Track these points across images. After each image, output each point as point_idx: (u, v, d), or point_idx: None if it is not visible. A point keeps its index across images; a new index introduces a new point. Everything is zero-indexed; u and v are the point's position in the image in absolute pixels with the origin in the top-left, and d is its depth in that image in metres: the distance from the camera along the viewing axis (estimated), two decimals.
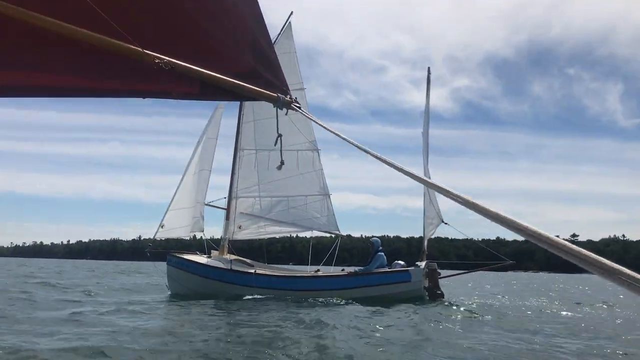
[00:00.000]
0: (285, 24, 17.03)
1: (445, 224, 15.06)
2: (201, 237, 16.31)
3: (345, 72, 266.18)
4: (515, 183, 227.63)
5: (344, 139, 2.41)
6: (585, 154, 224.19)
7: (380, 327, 8.57)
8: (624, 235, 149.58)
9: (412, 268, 13.52)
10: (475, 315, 10.57)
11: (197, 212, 16.15)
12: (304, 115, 2.52)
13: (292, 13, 17.36)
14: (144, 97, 2.43)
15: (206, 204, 16.41)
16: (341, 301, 12.59)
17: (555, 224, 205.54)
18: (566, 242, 1.43)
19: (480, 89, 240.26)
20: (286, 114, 2.65)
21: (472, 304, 13.35)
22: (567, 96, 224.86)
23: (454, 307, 11.98)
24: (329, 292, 13.37)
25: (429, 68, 16.12)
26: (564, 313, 12.27)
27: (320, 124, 2.52)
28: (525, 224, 1.44)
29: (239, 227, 15.73)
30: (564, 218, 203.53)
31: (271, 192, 16.18)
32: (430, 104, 15.59)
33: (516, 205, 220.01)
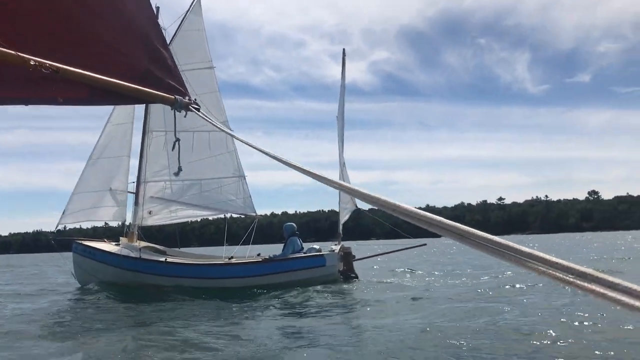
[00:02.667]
0: (194, 0, 16.35)
1: (359, 209, 15.34)
2: (106, 223, 15.57)
3: (264, 48, 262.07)
4: (435, 153, 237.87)
5: (248, 144, 2.39)
6: (499, 122, 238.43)
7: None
8: (546, 196, 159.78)
9: (327, 252, 13.55)
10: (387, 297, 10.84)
11: (114, 198, 15.39)
12: (203, 119, 2.46)
13: None
14: (26, 104, 2.28)
15: (113, 189, 15.63)
16: (255, 290, 12.41)
17: (476, 189, 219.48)
18: (421, 211, 1.57)
19: (397, 62, 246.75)
20: (185, 116, 2.57)
21: (384, 283, 13.60)
22: (480, 66, 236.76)
23: (363, 291, 12.12)
24: (242, 279, 13.15)
25: (343, 50, 15.96)
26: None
27: (220, 128, 2.48)
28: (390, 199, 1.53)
29: (149, 213, 15.16)
30: (484, 183, 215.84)
31: (182, 176, 15.65)
32: (351, 79, 15.74)
33: (437, 175, 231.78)
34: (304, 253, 13.61)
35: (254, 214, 15.72)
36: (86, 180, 15.40)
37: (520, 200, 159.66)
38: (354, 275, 13.87)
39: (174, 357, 5.64)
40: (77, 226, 16.02)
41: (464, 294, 10.56)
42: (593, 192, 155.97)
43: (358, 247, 18.38)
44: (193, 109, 2.50)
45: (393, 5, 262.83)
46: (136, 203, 15.14)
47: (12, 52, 2.03)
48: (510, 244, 1.38)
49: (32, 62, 2.04)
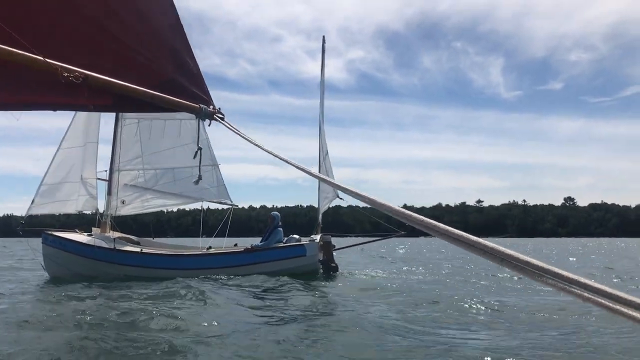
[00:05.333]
0: None
1: (341, 199, 15.43)
2: (80, 212, 15.16)
3: (240, 41, 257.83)
4: (408, 153, 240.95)
5: (270, 153, 2.39)
6: (472, 125, 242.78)
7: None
8: (524, 201, 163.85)
9: (307, 242, 13.46)
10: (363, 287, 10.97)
11: (84, 187, 14.97)
12: (228, 128, 2.44)
13: None
14: (55, 110, 2.24)
15: (85, 179, 15.21)
16: (229, 278, 12.28)
17: (447, 191, 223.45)
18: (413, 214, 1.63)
19: (373, 61, 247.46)
20: (209, 125, 2.55)
21: (363, 275, 13.81)
22: (454, 69, 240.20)
23: (345, 281, 12.23)
24: (221, 269, 12.96)
25: (323, 37, 16.04)
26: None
27: (248, 139, 2.46)
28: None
29: (122, 202, 14.83)
30: (455, 185, 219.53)
31: (155, 164, 15.37)
32: (327, 76, 15.64)
33: (409, 175, 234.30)
34: (284, 242, 13.55)
35: (230, 202, 15.57)
36: (55, 168, 14.93)
37: (495, 203, 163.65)
38: (334, 264, 13.83)
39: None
40: (48, 213, 15.50)
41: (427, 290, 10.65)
42: (569, 199, 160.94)
43: (337, 242, 18.50)
44: (217, 118, 2.48)
45: (369, 4, 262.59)
46: (109, 192, 14.81)
47: (42, 58, 1.99)
48: (552, 268, 1.32)
49: (62, 70, 2.00)
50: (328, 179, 2.58)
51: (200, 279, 12.29)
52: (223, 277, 12.41)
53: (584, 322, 6.71)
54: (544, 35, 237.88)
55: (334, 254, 14.26)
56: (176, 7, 2.40)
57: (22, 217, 15.24)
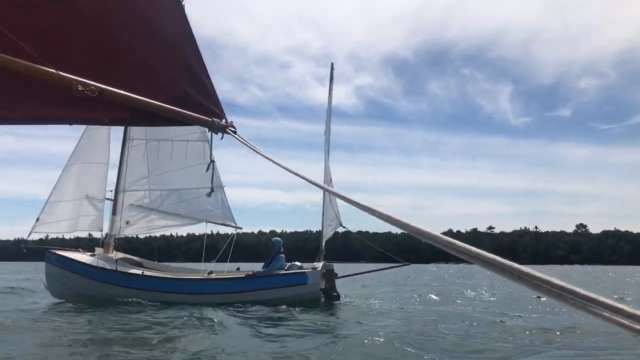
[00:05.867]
0: None
1: (344, 227, 15.11)
2: (90, 234, 15.10)
3: (251, 67, 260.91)
4: (416, 178, 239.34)
5: (283, 167, 2.38)
6: (480, 151, 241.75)
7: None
8: (536, 227, 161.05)
9: (309, 270, 13.13)
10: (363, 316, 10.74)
11: (90, 207, 14.98)
12: (241, 142, 2.44)
13: None
14: (70, 124, 2.24)
15: (90, 197, 15.22)
16: (228, 304, 12.12)
17: (457, 217, 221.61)
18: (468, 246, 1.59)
19: (382, 87, 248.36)
20: (221, 139, 2.55)
21: (365, 304, 13.38)
22: (463, 95, 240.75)
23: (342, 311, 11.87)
24: (221, 295, 12.77)
25: (332, 64, 16.18)
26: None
27: (260, 153, 2.46)
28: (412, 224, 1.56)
29: (127, 223, 14.82)
30: (465, 211, 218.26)
31: (161, 185, 15.40)
32: (335, 101, 15.70)
33: (418, 200, 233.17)
34: (286, 270, 13.23)
35: (234, 225, 15.49)
36: (62, 187, 14.98)
37: (505, 229, 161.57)
38: (335, 293, 13.45)
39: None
40: (54, 235, 15.49)
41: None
42: (581, 225, 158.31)
43: (344, 268, 18.18)
44: (230, 132, 2.48)
45: (378, 32, 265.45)
46: (114, 213, 14.81)
47: (56, 72, 2.00)
48: (571, 286, 1.30)
49: (76, 84, 2.02)
50: (342, 193, 2.56)
51: (200, 303, 12.15)
52: (222, 303, 12.22)
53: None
54: (552, 62, 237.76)
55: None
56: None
57: (23, 240, 15.19)
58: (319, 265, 13.57)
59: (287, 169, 2.32)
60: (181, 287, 13.14)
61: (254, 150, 2.52)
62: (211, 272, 13.76)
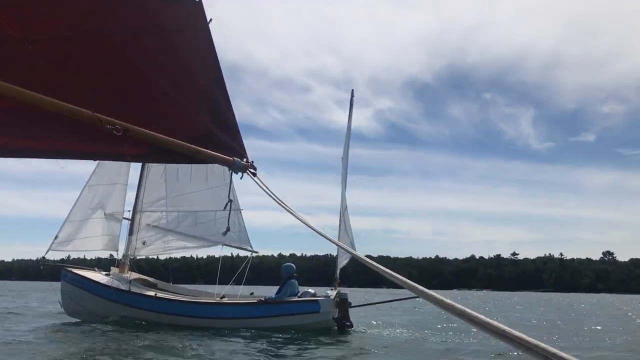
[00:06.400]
0: None
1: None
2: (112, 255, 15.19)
3: (271, 90, 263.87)
4: (437, 203, 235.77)
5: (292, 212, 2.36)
6: (503, 176, 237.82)
7: None
8: (561, 254, 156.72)
9: (322, 298, 12.80)
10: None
11: (108, 227, 15.12)
12: (259, 186, 2.43)
13: (210, 20, 16.67)
14: (94, 159, 2.29)
15: (109, 214, 15.33)
16: (238, 329, 12.01)
17: (478, 243, 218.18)
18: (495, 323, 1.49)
19: (402, 111, 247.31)
20: (241, 178, 2.54)
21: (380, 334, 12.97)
22: (484, 120, 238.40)
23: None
24: (232, 320, 12.62)
25: (352, 91, 15.75)
26: None
27: (275, 199, 2.43)
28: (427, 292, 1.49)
29: (143, 243, 14.90)
30: (487, 238, 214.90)
31: (179, 207, 15.47)
32: (355, 124, 15.53)
33: (439, 225, 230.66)
34: (298, 297, 12.98)
35: (250, 249, 15.42)
36: (81, 207, 15.16)
37: (528, 256, 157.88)
38: (348, 323, 13.07)
39: None
40: (75, 255, 15.67)
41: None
42: (608, 253, 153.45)
43: (364, 294, 17.82)
44: (249, 173, 2.47)
45: (398, 56, 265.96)
46: (130, 233, 14.90)
47: (91, 112, 2.02)
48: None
49: (105, 122, 2.03)
50: (353, 251, 2.52)
51: (210, 327, 12.11)
52: (232, 328, 12.13)
53: None
54: (575, 87, 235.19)
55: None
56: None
57: (40, 258, 15.29)
58: (333, 293, 13.30)
59: (297, 217, 2.31)
60: (192, 310, 13.05)
61: (270, 195, 2.50)
62: (223, 296, 13.61)
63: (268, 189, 2.46)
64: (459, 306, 1.45)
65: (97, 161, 15.48)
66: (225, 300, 13.38)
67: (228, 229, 3.25)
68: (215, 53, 2.42)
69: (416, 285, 1.68)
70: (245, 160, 2.48)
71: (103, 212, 15.17)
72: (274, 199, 2.40)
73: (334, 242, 2.39)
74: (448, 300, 1.53)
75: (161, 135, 2.20)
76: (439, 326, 15.84)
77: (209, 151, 2.37)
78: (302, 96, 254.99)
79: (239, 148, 2.47)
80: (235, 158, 2.44)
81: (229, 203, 2.77)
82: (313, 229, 2.26)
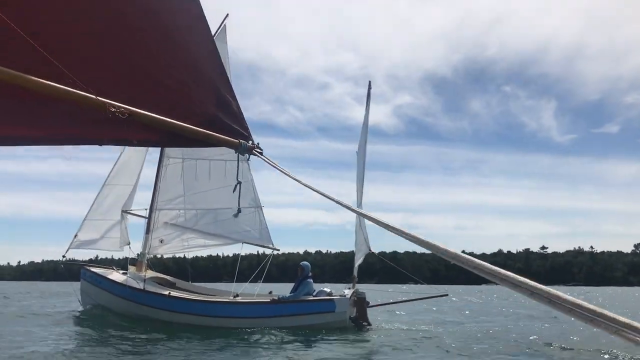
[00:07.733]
0: (219, 27, 16.24)
1: (372, 252, 14.50)
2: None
3: (289, 89, 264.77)
4: (459, 197, 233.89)
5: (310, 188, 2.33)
6: (525, 169, 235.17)
7: None
8: (591, 247, 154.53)
9: (337, 297, 12.53)
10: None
11: (125, 225, 15.29)
12: (267, 162, 2.42)
13: (227, 16, 16.46)
14: (100, 145, 2.30)
15: (124, 211, 15.42)
16: (251, 329, 11.90)
17: (501, 237, 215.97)
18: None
19: (421, 106, 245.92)
20: (247, 160, 2.54)
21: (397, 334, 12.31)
22: (505, 113, 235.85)
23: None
24: (246, 320, 12.45)
25: (369, 82, 15.40)
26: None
27: (284, 172, 2.43)
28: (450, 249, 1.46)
29: (161, 242, 14.90)
30: (509, 231, 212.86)
31: (197, 204, 15.40)
32: (375, 121, 15.35)
33: (461, 220, 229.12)
34: (314, 296, 12.73)
35: (272, 246, 15.23)
36: (99, 206, 15.32)
37: (556, 249, 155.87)
38: (366, 323, 12.75)
39: None
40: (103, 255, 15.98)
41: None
42: (639, 246, 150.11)
43: (390, 292, 17.52)
44: (256, 153, 2.49)
45: (416, 51, 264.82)
46: (147, 231, 14.93)
47: (93, 95, 2.03)
48: (602, 310, 1.36)
49: (109, 106, 2.04)
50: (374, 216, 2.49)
51: (223, 327, 12.11)
52: (245, 327, 12.04)
53: None
54: (597, 78, 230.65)
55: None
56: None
57: (62, 258, 15.52)
58: (349, 292, 13.03)
59: (311, 188, 2.29)
60: (205, 309, 12.93)
61: (281, 170, 2.50)
62: (237, 295, 13.35)
63: (277, 165, 2.47)
64: (554, 291, 1.46)
65: (117, 160, 15.75)
66: (238, 299, 13.18)
67: (239, 211, 3.21)
68: (214, 42, 2.53)
69: (484, 263, 1.69)
70: (250, 142, 2.49)
71: (119, 212, 15.28)
72: (285, 173, 2.47)
73: (352, 210, 2.40)
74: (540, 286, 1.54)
75: (166, 119, 2.23)
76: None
77: (215, 134, 2.40)
78: (321, 94, 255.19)
79: (243, 130, 2.51)
80: (240, 140, 2.45)
81: (239, 185, 2.76)
82: (329, 197, 2.28)
